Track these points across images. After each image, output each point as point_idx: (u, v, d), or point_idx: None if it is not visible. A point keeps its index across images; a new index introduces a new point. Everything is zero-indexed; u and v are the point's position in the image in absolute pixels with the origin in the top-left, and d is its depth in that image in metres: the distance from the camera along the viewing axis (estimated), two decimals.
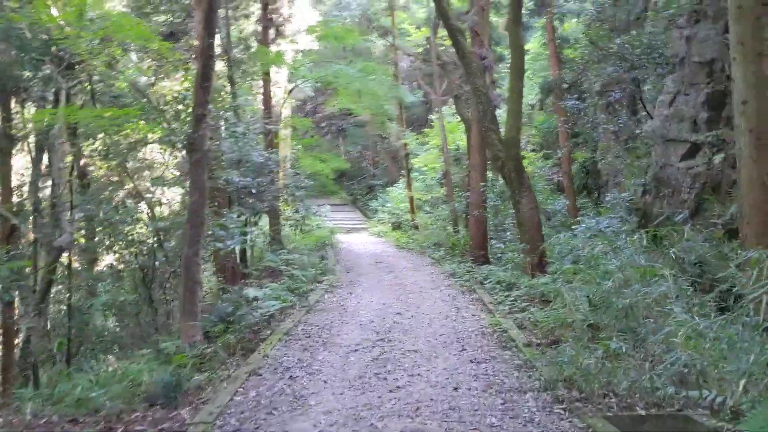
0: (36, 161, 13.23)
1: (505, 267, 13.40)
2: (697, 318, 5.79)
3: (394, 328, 9.29)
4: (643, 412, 5.42)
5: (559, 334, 8.45)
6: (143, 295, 10.94)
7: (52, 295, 14.69)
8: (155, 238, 11.65)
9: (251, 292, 10.21)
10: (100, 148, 13.24)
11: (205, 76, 9.13)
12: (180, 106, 11.90)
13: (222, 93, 17.52)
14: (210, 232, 10.45)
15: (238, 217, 12.50)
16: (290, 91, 19.98)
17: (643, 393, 5.64)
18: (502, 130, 13.48)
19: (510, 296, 10.83)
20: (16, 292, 10.50)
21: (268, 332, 9.24)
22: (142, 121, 12.20)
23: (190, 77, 16.35)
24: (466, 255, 16.75)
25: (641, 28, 16.81)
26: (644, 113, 16.15)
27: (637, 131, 17.12)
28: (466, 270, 14.40)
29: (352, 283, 13.78)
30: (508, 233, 17.36)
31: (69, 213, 10.74)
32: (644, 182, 14.10)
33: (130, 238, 12.09)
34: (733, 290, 6.30)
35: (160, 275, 11.84)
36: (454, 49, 15.05)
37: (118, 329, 13.33)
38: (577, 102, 17.64)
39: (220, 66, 20.54)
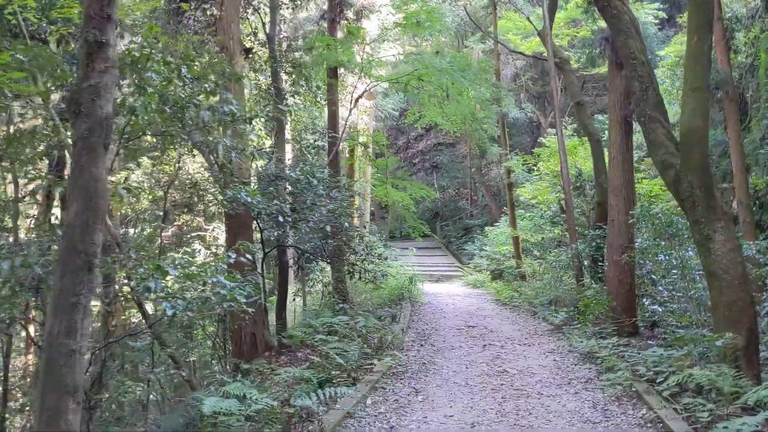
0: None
1: (685, 348, 7.78)
2: None
3: None
4: None
5: None
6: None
7: None
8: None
9: (209, 403, 5.23)
10: None
11: None
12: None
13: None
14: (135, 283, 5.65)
15: (247, 254, 7.63)
16: (359, 97, 15.33)
17: None
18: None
19: (731, 426, 5.26)
20: None
21: None
22: None
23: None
24: (602, 321, 11.17)
25: None
26: None
27: None
28: (611, 350, 8.84)
29: (424, 369, 8.53)
30: (660, 287, 11.59)
31: None
32: None
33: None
34: None
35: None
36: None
37: None
38: None
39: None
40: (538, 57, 18.33)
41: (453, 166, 38.05)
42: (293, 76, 16.64)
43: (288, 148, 19.90)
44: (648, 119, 8.33)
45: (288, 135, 18.94)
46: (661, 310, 10.65)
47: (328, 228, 9.55)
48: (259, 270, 11.87)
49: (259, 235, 11.51)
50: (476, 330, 11.95)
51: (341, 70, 17.32)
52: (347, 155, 20.38)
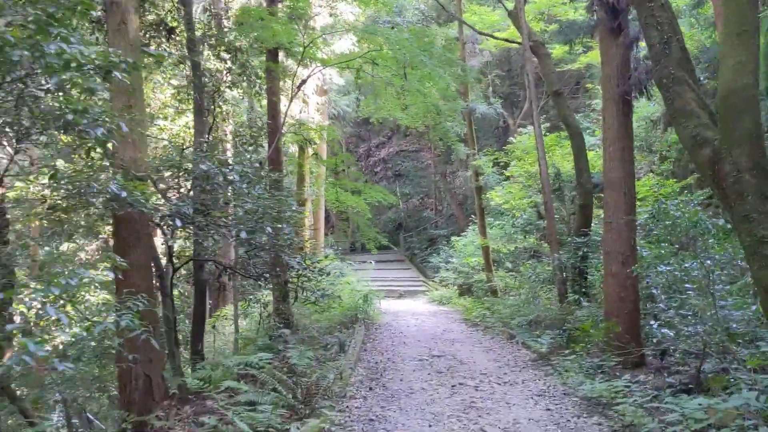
0: None
1: (735, 396, 5.52)
2: None
3: None
4: None
5: None
6: None
7: None
8: None
9: None
10: None
11: None
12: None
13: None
14: None
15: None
16: (302, 83, 12.92)
17: None
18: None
19: None
20: None
21: None
22: None
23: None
24: (600, 348, 8.93)
25: None
26: None
27: None
28: (625, 395, 6.55)
29: (371, 429, 6.13)
30: (661, 304, 9.36)
31: None
32: None
33: None
34: None
35: None
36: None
37: None
38: None
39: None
40: (509, 41, 16.16)
41: (417, 174, 35.90)
42: (227, 63, 14.25)
43: (229, 146, 17.42)
44: (672, 80, 6.12)
45: (228, 131, 16.48)
46: (672, 334, 8.41)
47: (244, 234, 7.13)
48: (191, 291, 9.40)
49: (171, 245, 9.04)
50: (443, 361, 9.59)
51: (289, 62, 14.97)
52: (297, 155, 17.98)
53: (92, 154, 6.57)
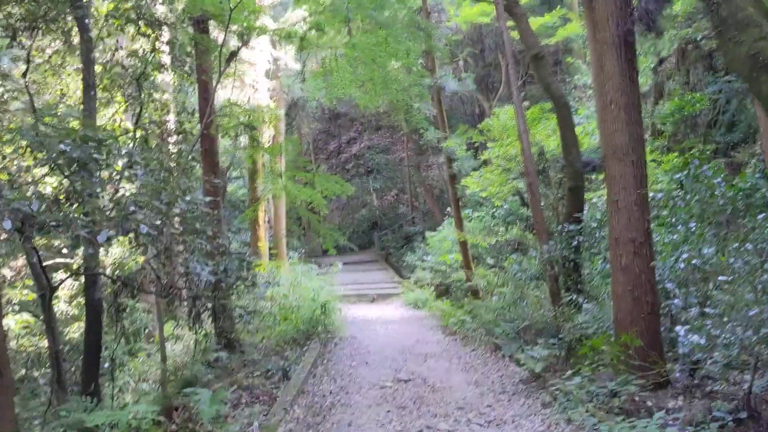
0: None
1: None
2: None
3: None
4: None
5: None
6: None
7: None
8: None
9: None
10: None
11: None
12: None
13: None
14: None
15: None
16: (233, 54, 10.72)
17: None
18: None
19: None
20: None
21: None
22: None
23: None
24: (609, 363, 6.87)
25: None
26: None
27: None
28: None
29: None
30: (676, 300, 7.31)
31: None
32: None
33: None
34: None
35: None
36: None
37: None
38: None
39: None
40: None
41: (390, 169, 33.82)
42: (150, 38, 12.03)
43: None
44: None
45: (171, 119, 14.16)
46: (703, 341, 6.34)
47: (102, 237, 4.98)
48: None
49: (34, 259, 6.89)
50: (410, 389, 7.48)
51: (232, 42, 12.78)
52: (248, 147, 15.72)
53: None
